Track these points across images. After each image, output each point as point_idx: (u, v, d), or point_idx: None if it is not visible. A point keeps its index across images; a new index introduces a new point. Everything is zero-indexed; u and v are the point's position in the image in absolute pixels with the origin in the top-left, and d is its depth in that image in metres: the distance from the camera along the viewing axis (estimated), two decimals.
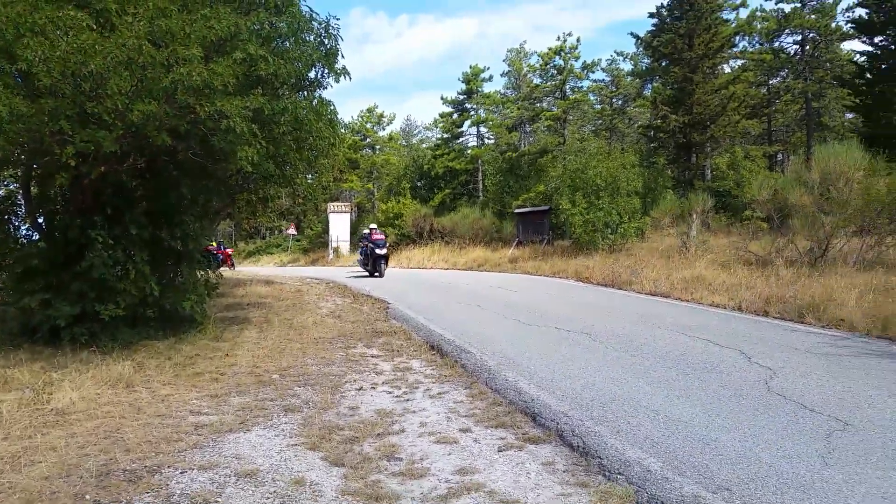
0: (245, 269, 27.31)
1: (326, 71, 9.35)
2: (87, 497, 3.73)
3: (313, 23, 8.92)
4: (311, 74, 9.32)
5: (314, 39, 9.00)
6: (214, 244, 29.59)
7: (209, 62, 6.97)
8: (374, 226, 22.59)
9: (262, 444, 4.65)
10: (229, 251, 31.03)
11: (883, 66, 25.35)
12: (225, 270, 25.22)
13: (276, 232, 50.66)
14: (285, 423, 5.14)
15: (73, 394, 5.70)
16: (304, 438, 4.75)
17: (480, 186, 39.30)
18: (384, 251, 20.45)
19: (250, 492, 3.82)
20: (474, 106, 41.23)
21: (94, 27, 6.64)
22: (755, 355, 6.87)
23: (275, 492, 3.82)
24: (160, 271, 8.55)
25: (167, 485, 3.93)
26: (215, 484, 3.94)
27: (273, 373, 6.91)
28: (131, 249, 7.97)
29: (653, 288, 13.00)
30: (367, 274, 20.92)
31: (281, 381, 6.54)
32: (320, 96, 9.65)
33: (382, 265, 20.30)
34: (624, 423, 4.87)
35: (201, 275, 9.83)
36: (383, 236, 21.34)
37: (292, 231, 42.04)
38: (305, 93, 9.74)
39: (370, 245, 20.57)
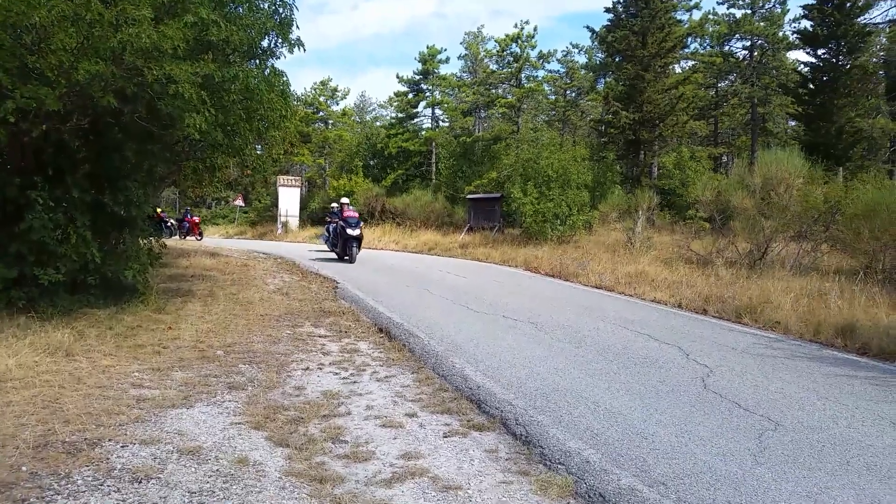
0: (190, 240, 26.62)
1: (280, 40, 9.18)
2: (24, 469, 3.62)
3: None
4: (265, 43, 9.14)
5: (268, 7, 8.84)
6: (161, 211, 28.70)
7: (159, 24, 6.75)
8: (345, 200, 19.42)
9: (206, 422, 4.59)
10: (196, 219, 29.68)
11: (825, 78, 26.35)
12: (176, 240, 24.50)
13: (223, 202, 49.55)
14: (229, 401, 5.08)
15: (10, 360, 5.48)
16: (249, 417, 4.71)
17: (434, 169, 39.25)
18: (357, 231, 17.21)
19: (192, 469, 3.78)
20: (430, 87, 41.05)
21: None
22: (693, 353, 7.12)
23: (217, 470, 3.78)
24: (102, 237, 8.27)
25: (108, 458, 3.84)
26: (157, 460, 3.87)
27: (217, 349, 6.80)
28: (73, 213, 7.68)
29: (598, 281, 13.28)
30: (335, 257, 18.30)
31: (225, 358, 6.44)
32: (273, 66, 9.47)
33: (354, 248, 17.22)
34: (566, 413, 5.00)
35: (144, 243, 9.56)
36: (356, 214, 17.93)
37: (239, 202, 41.20)
38: (258, 61, 9.53)
39: (340, 223, 17.58)
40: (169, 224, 28.10)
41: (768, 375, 6.26)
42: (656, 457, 4.15)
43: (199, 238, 28.17)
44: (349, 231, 17.06)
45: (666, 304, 10.79)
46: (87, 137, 8.32)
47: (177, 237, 27.25)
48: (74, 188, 7.79)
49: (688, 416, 4.97)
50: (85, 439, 4.09)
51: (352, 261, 16.95)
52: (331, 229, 19.07)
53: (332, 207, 20.15)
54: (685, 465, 4.01)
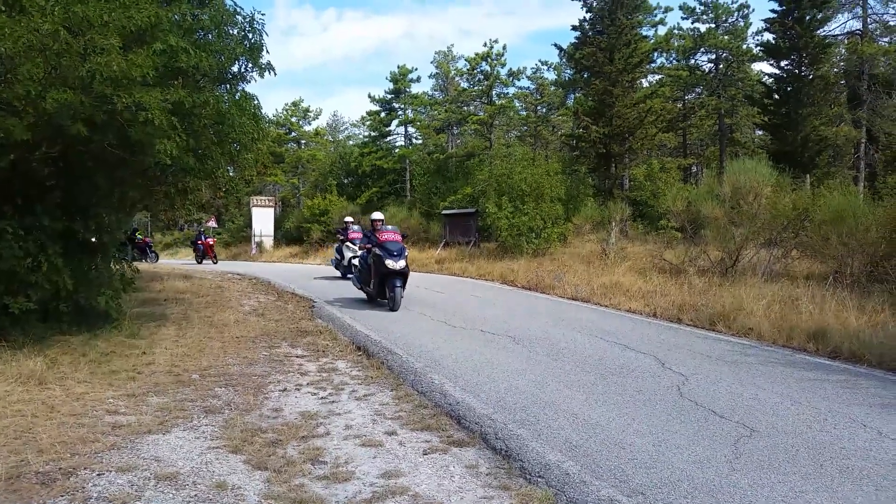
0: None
1: (251, 65, 9.23)
2: None
3: (237, 17, 8.78)
4: (235, 68, 9.17)
5: (238, 33, 8.86)
6: (142, 236, 28.02)
7: (128, 52, 6.74)
8: (378, 216, 13.05)
9: (182, 447, 4.54)
10: (211, 241, 27.55)
11: (788, 89, 26.97)
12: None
13: (195, 224, 49.07)
14: (206, 425, 5.03)
15: None
16: (226, 441, 4.66)
17: (408, 186, 39.30)
18: (401, 264, 11.25)
19: (171, 495, 3.73)
20: (402, 106, 41.21)
21: (2, 8, 6.32)
22: (669, 361, 7.20)
23: (196, 496, 3.74)
24: (74, 264, 8.16)
25: (83, 487, 3.79)
26: (134, 487, 3.82)
27: (192, 372, 6.73)
28: (43, 241, 7.58)
29: (574, 292, 13.37)
30: (360, 295, 12.97)
31: (201, 382, 6.38)
32: (243, 90, 9.52)
33: (398, 289, 11.25)
34: (545, 426, 5.02)
35: (117, 268, 9.46)
36: (398, 236, 11.85)
37: (212, 224, 40.80)
38: (228, 86, 9.57)
39: (377, 252, 11.46)
40: (152, 248, 27.44)
41: (743, 382, 6.35)
42: (635, 466, 4.19)
43: (214, 262, 26.39)
44: (389, 263, 11.12)
45: (641, 314, 10.90)
46: (56, 165, 8.24)
47: (196, 262, 26.10)
48: (44, 216, 7.71)
49: (665, 424, 5.03)
50: (59, 468, 4.02)
51: (394, 307, 11.15)
52: (344, 254, 15.44)
53: (347, 223, 16.79)
54: (663, 474, 4.06)
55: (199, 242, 27.41)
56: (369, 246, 11.88)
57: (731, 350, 8.01)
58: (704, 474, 4.05)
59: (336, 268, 17.53)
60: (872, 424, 5.03)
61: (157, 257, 27.41)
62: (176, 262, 30.89)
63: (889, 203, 13.43)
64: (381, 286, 11.54)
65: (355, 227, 16.81)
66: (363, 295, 12.71)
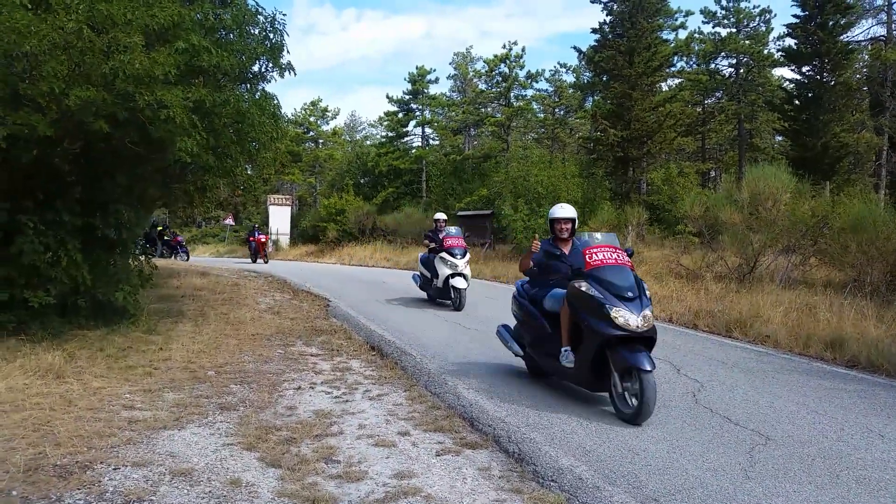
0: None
1: (271, 65, 9.28)
2: (14, 493, 3.60)
3: (259, 16, 8.84)
4: (255, 68, 9.22)
5: (259, 33, 8.92)
6: (174, 234, 27.70)
7: (150, 51, 6.82)
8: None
9: (198, 443, 4.57)
10: (263, 238, 25.86)
11: (810, 94, 26.72)
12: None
13: (213, 221, 49.49)
14: (221, 422, 5.07)
15: (0, 384, 5.46)
16: (241, 438, 4.69)
17: (424, 187, 39.40)
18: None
19: (185, 491, 3.76)
20: (420, 106, 41.34)
21: (29, 6, 6.41)
22: (684, 367, 7.16)
23: (210, 492, 3.77)
24: (93, 260, 8.26)
25: (100, 481, 3.82)
26: (149, 482, 3.86)
27: (208, 369, 6.79)
28: (63, 236, 7.68)
29: None
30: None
31: (216, 378, 6.43)
32: (263, 89, 9.58)
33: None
34: (558, 430, 5.01)
35: (135, 265, 9.57)
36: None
37: (230, 221, 41.18)
38: (248, 86, 9.63)
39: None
40: (184, 247, 26.56)
41: (758, 389, 6.30)
42: (648, 473, 4.17)
43: (265, 261, 25.17)
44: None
45: (657, 319, 10.78)
46: (78, 162, 8.33)
47: (251, 261, 25.04)
48: (65, 212, 7.80)
49: (679, 430, 5.00)
50: (76, 462, 4.07)
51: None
52: (439, 270, 11.98)
53: (440, 223, 13.00)
54: (677, 481, 4.03)
55: (252, 239, 25.84)
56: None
57: (747, 357, 7.95)
58: (719, 482, 4.02)
59: (422, 288, 12.96)
60: (890, 435, 4.97)
61: (187, 256, 26.54)
62: (209, 259, 30.32)
63: None
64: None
65: (452, 231, 12.69)
66: (380, 295, 12.72)
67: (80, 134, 7.28)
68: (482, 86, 39.73)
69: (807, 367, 7.47)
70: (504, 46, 37.99)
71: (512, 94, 37.36)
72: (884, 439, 4.88)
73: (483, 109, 39.22)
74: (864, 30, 27.53)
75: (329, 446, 4.62)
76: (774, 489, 3.93)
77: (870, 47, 27.48)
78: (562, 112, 43.76)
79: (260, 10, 8.89)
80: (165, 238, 26.59)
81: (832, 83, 25.87)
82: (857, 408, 5.77)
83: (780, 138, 34.74)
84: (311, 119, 47.73)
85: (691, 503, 3.73)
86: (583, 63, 35.81)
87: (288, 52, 9.15)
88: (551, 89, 42.95)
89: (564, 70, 43.82)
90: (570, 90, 41.95)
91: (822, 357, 7.96)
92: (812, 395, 6.17)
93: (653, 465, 4.30)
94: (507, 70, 36.70)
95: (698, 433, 4.95)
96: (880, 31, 27.00)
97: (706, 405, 5.70)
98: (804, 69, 27.04)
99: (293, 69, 9.31)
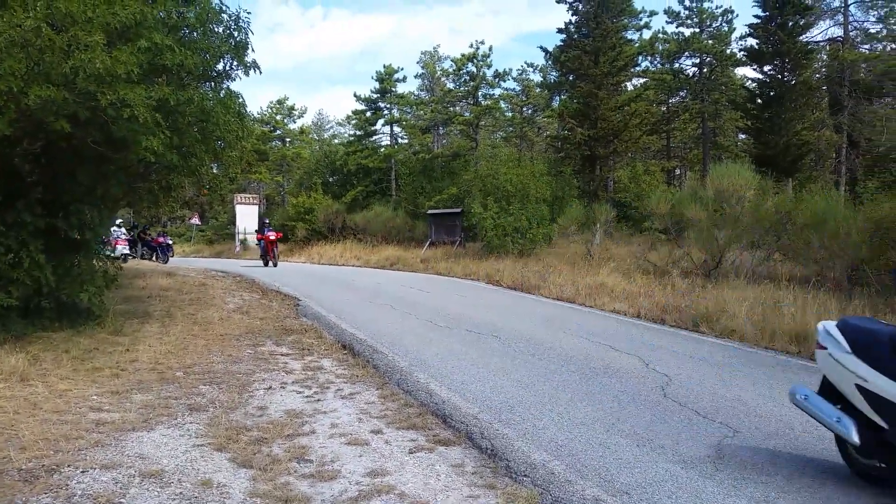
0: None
1: (236, 63, 9.21)
2: None
3: (223, 14, 8.79)
4: (220, 66, 9.15)
5: (223, 31, 8.86)
6: (156, 234, 26.72)
7: (112, 49, 6.70)
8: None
9: (167, 444, 4.50)
10: (273, 236, 21.90)
11: (771, 94, 27.28)
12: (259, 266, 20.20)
13: (179, 221, 48.70)
14: (190, 423, 5.00)
15: None
16: (211, 439, 4.63)
17: (394, 185, 39.25)
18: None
19: (155, 493, 3.71)
20: (388, 105, 41.13)
21: None
22: (653, 362, 7.25)
23: (181, 493, 3.72)
24: (56, 260, 8.08)
25: (67, 485, 3.75)
26: (119, 484, 3.79)
27: (177, 370, 6.69)
28: (25, 237, 7.50)
29: (559, 293, 13.43)
30: None
31: (185, 379, 6.33)
32: (228, 88, 9.51)
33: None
34: (530, 425, 5.05)
35: (100, 265, 9.38)
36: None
37: (196, 221, 40.55)
38: (213, 84, 9.52)
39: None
40: (170, 248, 24.92)
41: (726, 383, 6.42)
42: (619, 466, 4.22)
43: (274, 264, 21.77)
44: None
45: (625, 315, 10.96)
46: (39, 161, 8.16)
47: (269, 265, 21.76)
48: (26, 212, 7.62)
49: (649, 424, 5.07)
50: (42, 466, 3.98)
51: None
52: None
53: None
54: (647, 474, 4.09)
55: (261, 237, 22.12)
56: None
57: (714, 351, 8.09)
58: (688, 474, 4.09)
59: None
60: None
61: (168, 259, 24.50)
62: (203, 261, 28.28)
63: (869, 207, 13.60)
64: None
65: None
66: (351, 295, 12.66)
67: (40, 133, 7.14)
68: (450, 85, 39.73)
69: (772, 361, 7.62)
70: (471, 45, 38.02)
71: (480, 93, 37.40)
72: None
73: (451, 108, 39.20)
74: (822, 30, 28.14)
75: (301, 446, 4.59)
76: (743, 480, 4.00)
77: (828, 48, 28.13)
78: (529, 111, 43.97)
79: (224, 8, 8.85)
80: (147, 239, 25.95)
81: (793, 82, 26.42)
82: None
83: (743, 136, 35.40)
84: (278, 117, 47.26)
85: (661, 495, 3.78)
86: (549, 62, 36.03)
87: (253, 50, 9.12)
88: (519, 88, 43.13)
89: (532, 69, 44.09)
90: (538, 89, 42.16)
91: (787, 350, 8.12)
92: (778, 387, 6.30)
93: (623, 458, 4.35)
94: (474, 69, 36.73)
95: (667, 426, 5.03)
96: (838, 31, 27.65)
97: (674, 399, 5.79)
98: (766, 69, 27.58)
99: (258, 67, 9.28)
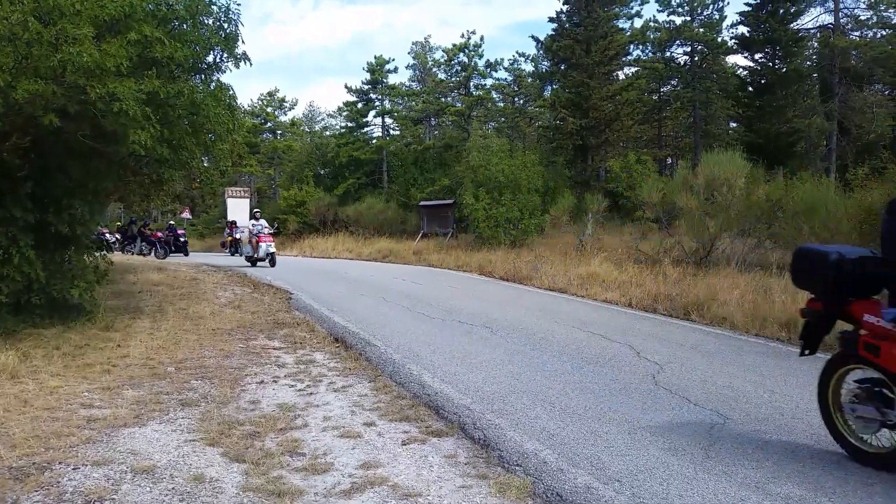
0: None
1: (226, 55, 9.16)
2: None
3: (212, 6, 8.75)
4: (210, 58, 9.10)
5: (213, 23, 8.80)
6: (154, 230, 26.31)
7: (101, 42, 6.65)
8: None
9: (159, 440, 4.50)
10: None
11: (762, 81, 27.35)
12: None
13: (170, 215, 48.50)
14: (182, 418, 4.99)
15: None
16: (203, 434, 4.63)
17: (385, 177, 39.19)
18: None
19: (148, 489, 3.70)
20: (379, 96, 41.02)
21: None
22: (644, 350, 7.29)
23: (173, 489, 3.72)
24: (47, 256, 8.04)
25: (58, 482, 3.74)
26: (110, 480, 3.79)
27: (168, 365, 6.67)
28: (15, 233, 7.45)
29: (551, 283, 13.46)
30: None
31: (177, 374, 6.32)
32: (218, 80, 9.44)
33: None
34: (522, 415, 5.06)
35: (90, 261, 9.34)
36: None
37: (186, 215, 40.31)
38: (203, 76, 9.47)
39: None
40: (168, 243, 24.69)
41: (716, 370, 6.45)
42: (611, 454, 4.24)
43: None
44: None
45: (617, 304, 11.00)
46: (28, 156, 8.10)
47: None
48: (16, 208, 7.57)
49: (640, 412, 5.10)
50: (33, 463, 3.97)
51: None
52: None
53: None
54: (639, 462, 4.11)
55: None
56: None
57: (705, 339, 8.13)
58: (679, 461, 4.11)
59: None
60: None
61: (165, 254, 23.96)
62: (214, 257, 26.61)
63: (860, 194, 13.67)
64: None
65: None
66: (343, 288, 12.65)
67: (29, 127, 7.09)
68: (441, 75, 39.65)
69: (763, 348, 7.67)
70: (462, 36, 37.98)
71: (471, 84, 37.37)
72: None
73: (443, 99, 39.14)
74: (813, 18, 28.27)
75: (294, 439, 4.59)
76: (733, 467, 4.03)
77: (818, 35, 28.19)
78: (521, 101, 43.93)
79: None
80: (146, 234, 25.66)
81: (784, 70, 26.52)
82: (811, 385, 5.87)
83: (734, 125, 35.45)
84: (269, 110, 47.07)
85: (653, 483, 3.81)
86: (541, 52, 35.98)
87: (243, 41, 9.06)
88: (510, 78, 43.08)
89: (523, 59, 44.07)
90: (529, 79, 42.11)
91: (778, 337, 8.16)
92: (768, 374, 6.34)
93: (615, 446, 4.38)
94: (466, 59, 36.67)
95: (659, 414, 5.06)
96: (828, 19, 27.71)
97: (666, 387, 5.82)
98: (757, 56, 27.71)
99: (248, 59, 9.22)
